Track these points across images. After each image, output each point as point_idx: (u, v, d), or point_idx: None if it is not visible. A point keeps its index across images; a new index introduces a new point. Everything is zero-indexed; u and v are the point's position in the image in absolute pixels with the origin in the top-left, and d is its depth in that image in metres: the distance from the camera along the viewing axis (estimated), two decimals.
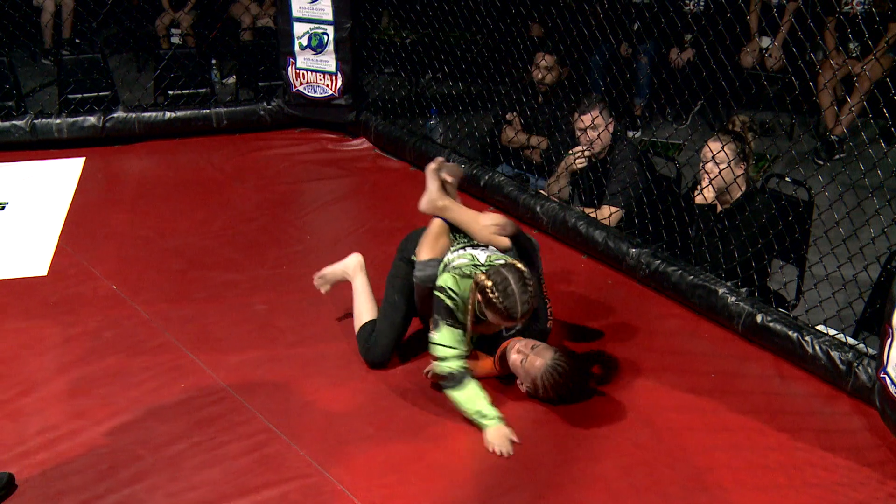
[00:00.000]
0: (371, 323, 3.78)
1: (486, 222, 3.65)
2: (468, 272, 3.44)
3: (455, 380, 3.38)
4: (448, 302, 3.38)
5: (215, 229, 4.83)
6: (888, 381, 3.24)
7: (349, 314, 3.93)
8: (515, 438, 3.30)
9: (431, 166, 3.76)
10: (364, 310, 3.84)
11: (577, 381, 3.44)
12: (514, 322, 3.35)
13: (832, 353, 3.58)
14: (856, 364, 3.51)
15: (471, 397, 3.36)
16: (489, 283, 3.28)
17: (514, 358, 3.48)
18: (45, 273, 4.40)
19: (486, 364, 3.57)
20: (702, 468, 3.21)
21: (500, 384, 3.57)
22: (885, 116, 3.83)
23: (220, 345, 3.86)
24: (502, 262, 3.43)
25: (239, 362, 3.74)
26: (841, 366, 3.55)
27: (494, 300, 3.27)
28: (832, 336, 3.67)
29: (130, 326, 3.98)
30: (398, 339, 3.74)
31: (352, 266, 3.97)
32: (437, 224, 3.69)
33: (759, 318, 3.80)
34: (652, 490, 3.11)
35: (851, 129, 5.95)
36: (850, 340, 3.65)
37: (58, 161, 5.61)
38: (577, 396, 3.47)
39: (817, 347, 3.62)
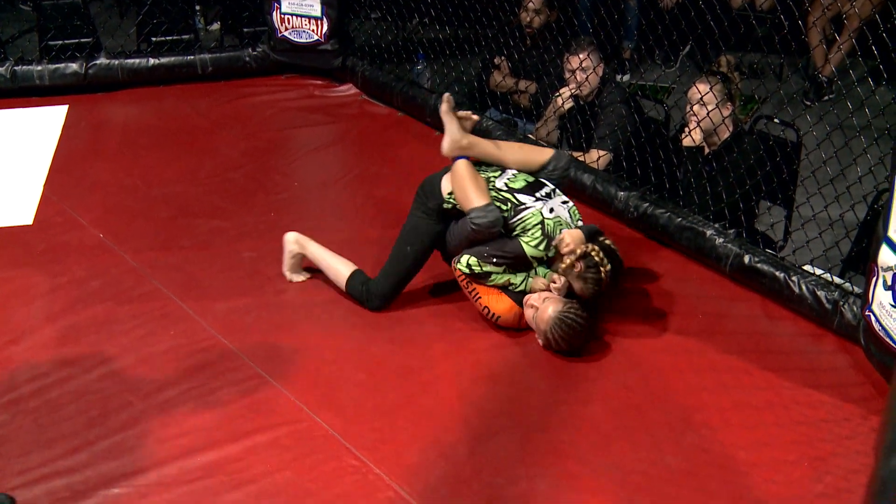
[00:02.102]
0: (357, 273, 3.77)
1: (513, 149, 3.74)
2: (555, 234, 3.53)
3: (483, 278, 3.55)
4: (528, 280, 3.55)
5: (201, 177, 4.80)
6: (873, 319, 3.26)
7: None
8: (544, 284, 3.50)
9: (444, 107, 3.67)
10: (338, 268, 3.80)
11: (586, 332, 3.44)
12: (586, 298, 3.46)
13: (818, 293, 3.60)
14: (841, 303, 3.53)
15: (500, 279, 3.53)
16: (608, 268, 3.39)
17: (528, 312, 3.51)
18: (30, 222, 4.37)
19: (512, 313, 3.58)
20: (690, 408, 3.25)
21: (492, 342, 3.58)
22: (874, 55, 3.81)
23: (208, 292, 3.85)
24: (608, 242, 3.51)
25: (227, 309, 3.74)
26: (827, 305, 3.57)
27: (598, 280, 3.39)
28: (819, 276, 3.69)
29: (118, 274, 3.97)
30: (400, 288, 3.73)
31: (291, 244, 3.89)
32: (463, 165, 3.55)
33: (746, 259, 3.82)
34: (640, 431, 3.15)
35: (840, 68, 5.92)
36: (837, 280, 3.68)
37: (40, 109, 5.54)
38: (583, 344, 3.48)
39: (804, 287, 3.64)
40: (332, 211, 4.51)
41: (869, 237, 3.54)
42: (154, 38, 6.02)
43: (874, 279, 3.24)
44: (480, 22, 5.55)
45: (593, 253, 3.40)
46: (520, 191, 3.58)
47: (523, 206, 3.54)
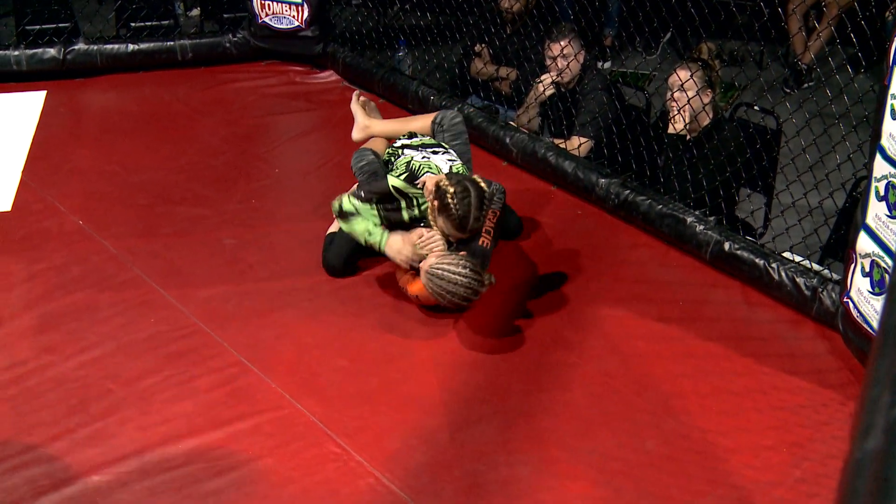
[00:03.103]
0: (333, 234, 3.85)
1: (412, 121, 4.05)
2: (420, 174, 3.59)
3: (350, 216, 3.58)
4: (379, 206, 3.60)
5: (182, 164, 4.77)
6: (851, 305, 3.29)
7: (317, 249, 3.92)
8: (416, 239, 3.49)
9: (353, 100, 4.15)
10: (335, 224, 3.90)
11: (463, 279, 3.33)
12: (462, 234, 3.45)
13: (798, 280, 3.62)
14: (820, 290, 3.56)
15: (361, 224, 3.58)
16: (451, 190, 3.37)
17: (403, 279, 3.61)
18: (8, 209, 4.33)
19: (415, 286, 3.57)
20: (669, 394, 3.27)
21: (473, 328, 3.59)
22: (853, 43, 3.83)
23: (188, 279, 3.84)
24: (475, 177, 3.52)
25: (208, 297, 3.73)
26: (806, 291, 3.60)
27: (452, 207, 3.36)
28: (798, 263, 3.71)
29: (98, 262, 3.94)
30: (351, 250, 3.78)
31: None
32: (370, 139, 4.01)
33: (726, 245, 3.84)
34: (621, 417, 3.17)
35: (820, 56, 5.95)
36: (816, 267, 3.70)
37: (18, 94, 5.48)
38: (469, 298, 3.40)
39: (783, 274, 3.66)
40: (313, 198, 4.49)
41: (847, 224, 3.56)
42: (133, 24, 5.98)
43: (852, 266, 3.27)
44: (461, 9, 5.54)
45: (442, 184, 3.41)
46: (410, 146, 3.79)
47: (403, 155, 3.73)
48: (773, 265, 3.70)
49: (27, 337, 3.49)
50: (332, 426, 3.10)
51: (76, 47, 5.65)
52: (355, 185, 3.75)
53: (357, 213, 3.57)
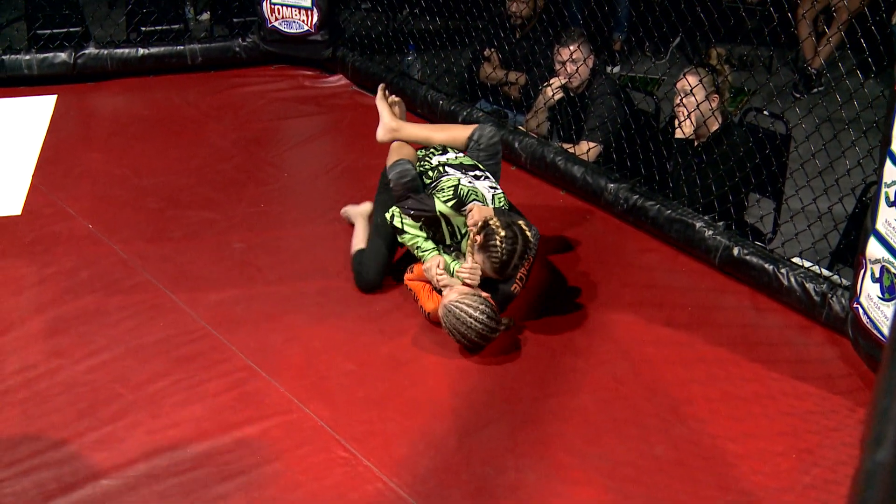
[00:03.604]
0: (361, 251, 3.81)
1: (442, 130, 3.92)
2: (467, 200, 3.54)
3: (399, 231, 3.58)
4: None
5: (192, 167, 4.78)
6: (860, 311, 3.28)
7: (326, 253, 3.93)
8: (449, 262, 3.51)
9: (379, 94, 3.93)
10: (358, 241, 3.90)
11: (479, 324, 3.32)
12: (496, 276, 3.42)
13: (807, 285, 3.61)
14: (830, 295, 3.55)
15: (409, 237, 3.57)
16: (501, 234, 3.34)
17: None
18: (18, 212, 4.35)
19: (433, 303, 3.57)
20: (679, 400, 3.26)
21: None
22: (863, 48, 3.82)
23: (198, 283, 3.85)
24: (518, 217, 3.52)
25: (217, 301, 3.74)
26: (815, 297, 3.59)
27: (496, 249, 3.34)
28: (807, 268, 3.70)
29: (107, 265, 3.96)
30: (385, 262, 3.77)
31: (360, 211, 4.07)
32: (394, 143, 3.85)
33: (735, 251, 3.83)
34: (630, 423, 3.16)
35: (829, 61, 5.93)
36: (825, 272, 3.69)
37: (29, 98, 5.50)
38: (479, 343, 3.40)
39: (792, 279, 3.66)
40: (322, 202, 4.50)
41: (857, 230, 3.56)
42: (143, 28, 6.00)
43: (862, 271, 3.26)
44: (471, 13, 5.54)
45: (492, 222, 3.40)
46: (451, 166, 3.70)
47: (447, 175, 3.64)
48: (783, 270, 3.69)
49: (37, 340, 3.51)
50: (341, 431, 3.10)
51: (87, 51, 5.67)
52: (407, 200, 3.60)
53: (404, 229, 3.57)
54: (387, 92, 4.02)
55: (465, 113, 5.01)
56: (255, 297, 3.77)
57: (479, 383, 3.33)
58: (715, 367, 3.42)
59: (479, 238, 3.40)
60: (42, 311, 3.67)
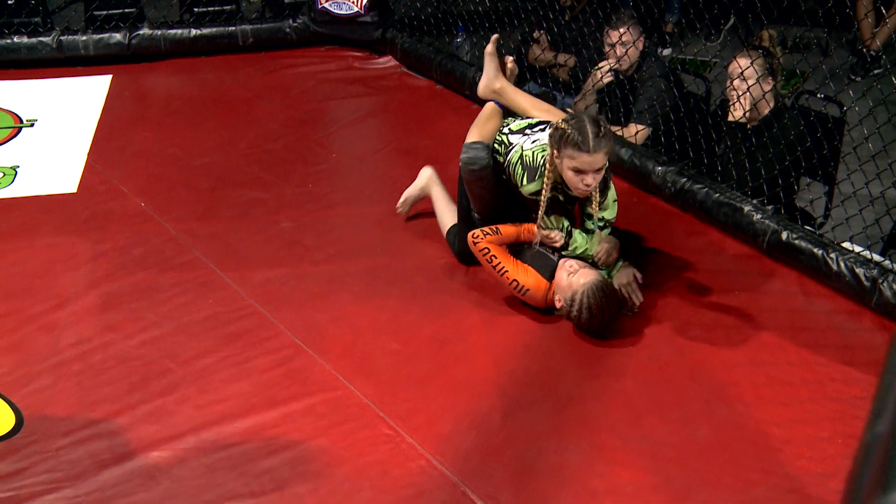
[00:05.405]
0: (455, 225, 3.81)
1: (542, 108, 3.72)
2: (537, 165, 3.42)
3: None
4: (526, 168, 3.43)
5: (242, 147, 4.84)
6: None
7: (373, 233, 3.96)
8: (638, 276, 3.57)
9: (489, 48, 3.80)
10: (444, 216, 3.88)
11: (611, 309, 3.40)
12: (588, 153, 3.23)
13: (857, 270, 3.56)
14: (881, 280, 3.49)
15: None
16: (562, 123, 3.27)
17: (560, 274, 3.47)
18: (74, 190, 4.45)
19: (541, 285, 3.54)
20: (724, 383, 3.24)
21: (526, 314, 3.59)
22: None
23: (246, 262, 3.91)
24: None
25: (265, 279, 3.79)
26: (865, 282, 3.54)
27: (569, 131, 3.23)
28: (858, 253, 3.65)
29: (159, 243, 4.03)
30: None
31: (424, 180, 4.01)
32: (488, 107, 3.73)
33: (784, 235, 3.79)
34: (673, 405, 3.15)
35: (887, 42, 5.81)
36: (876, 257, 3.63)
37: (85, 78, 5.62)
38: (603, 327, 3.43)
39: (842, 264, 3.60)
40: (369, 182, 4.54)
41: None
42: (196, 9, 6.07)
43: None
44: None
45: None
46: (515, 132, 3.60)
47: (511, 147, 3.54)
48: (832, 255, 3.64)
49: (92, 315, 3.59)
50: (385, 408, 3.13)
51: (141, 32, 5.76)
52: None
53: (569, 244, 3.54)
54: (504, 53, 3.81)
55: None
56: (302, 275, 3.82)
57: (523, 363, 3.34)
58: (761, 352, 3.40)
59: (553, 143, 3.30)
60: (96, 286, 3.75)
